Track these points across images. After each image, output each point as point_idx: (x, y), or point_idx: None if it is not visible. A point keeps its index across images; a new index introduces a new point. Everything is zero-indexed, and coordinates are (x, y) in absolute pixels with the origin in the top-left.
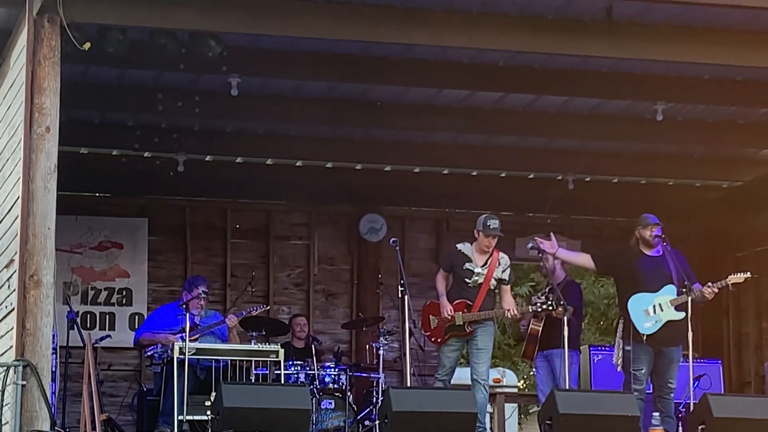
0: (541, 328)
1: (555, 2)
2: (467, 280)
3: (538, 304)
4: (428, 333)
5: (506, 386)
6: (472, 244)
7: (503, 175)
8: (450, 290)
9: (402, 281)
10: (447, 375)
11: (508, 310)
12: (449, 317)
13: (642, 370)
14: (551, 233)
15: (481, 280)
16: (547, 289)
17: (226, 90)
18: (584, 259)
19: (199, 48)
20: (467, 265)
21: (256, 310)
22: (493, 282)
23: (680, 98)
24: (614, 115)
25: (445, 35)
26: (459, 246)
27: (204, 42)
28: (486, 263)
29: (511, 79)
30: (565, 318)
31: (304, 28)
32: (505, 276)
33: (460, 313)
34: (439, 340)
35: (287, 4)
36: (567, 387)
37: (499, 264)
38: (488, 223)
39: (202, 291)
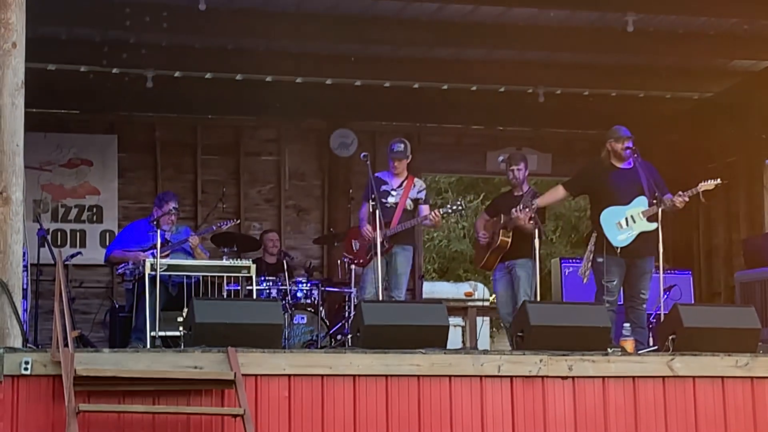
0: (510, 240)
1: None
2: (383, 200)
3: (451, 206)
4: (352, 256)
5: (478, 300)
6: (388, 171)
7: (473, 88)
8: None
9: (373, 195)
10: (371, 298)
11: (426, 216)
12: (370, 236)
13: (614, 281)
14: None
15: (397, 200)
16: (528, 206)
17: (194, 4)
18: (559, 193)
19: None
20: (383, 188)
21: (226, 225)
22: (409, 202)
23: (650, 9)
24: (584, 27)
25: None
26: (376, 174)
27: None
28: (401, 185)
29: None
30: (536, 230)
31: None
32: (422, 196)
33: (379, 231)
34: (362, 261)
35: None
36: (536, 298)
37: (414, 186)
38: (392, 147)
39: (173, 207)
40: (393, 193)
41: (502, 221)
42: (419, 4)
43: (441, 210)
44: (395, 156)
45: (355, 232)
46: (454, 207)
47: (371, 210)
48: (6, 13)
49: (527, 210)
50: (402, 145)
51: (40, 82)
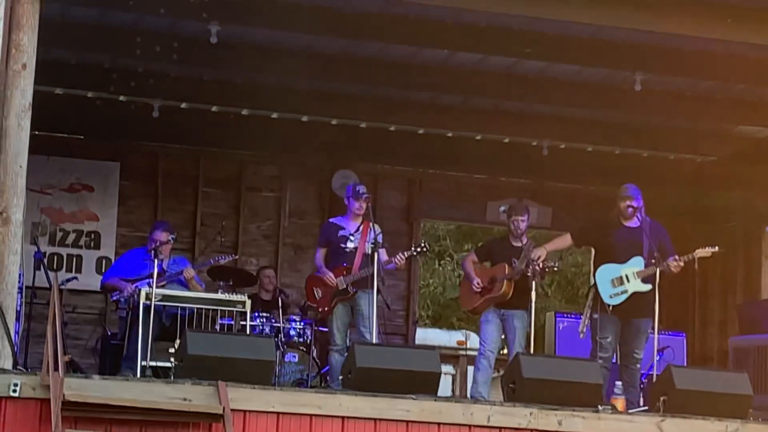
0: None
1: None
2: (343, 246)
3: (415, 248)
4: (315, 304)
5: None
6: (344, 216)
7: (478, 137)
8: (329, 261)
9: (364, 242)
10: (342, 344)
11: (391, 260)
12: (332, 283)
13: (608, 338)
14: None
15: (356, 244)
16: (549, 267)
17: (205, 37)
18: (566, 241)
19: None
20: (341, 233)
21: (224, 260)
22: (368, 246)
23: (660, 69)
24: (592, 83)
25: None
26: (331, 220)
27: None
28: (358, 229)
29: (492, 41)
30: (534, 283)
31: None
32: (379, 239)
33: (342, 277)
34: (326, 309)
35: None
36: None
37: (372, 229)
38: (357, 188)
39: (171, 237)
40: (351, 238)
41: (507, 272)
42: (430, 50)
43: (406, 253)
44: (360, 197)
45: (315, 280)
46: (418, 249)
47: (369, 252)
48: (18, 34)
49: (546, 269)
50: (364, 187)
51: (46, 105)
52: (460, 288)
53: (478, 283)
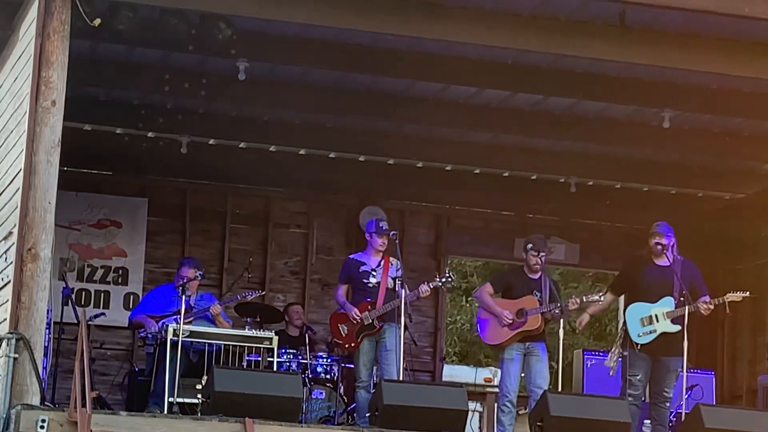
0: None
1: (568, 4)
2: (365, 281)
3: (440, 279)
4: (341, 341)
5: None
6: (364, 252)
7: (506, 174)
8: (352, 298)
9: (392, 276)
10: (368, 381)
11: (417, 292)
12: (357, 319)
13: (638, 376)
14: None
15: (378, 279)
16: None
17: (233, 74)
18: (608, 299)
19: (209, 30)
20: (362, 269)
21: (251, 296)
22: (389, 281)
23: (687, 107)
24: (621, 120)
25: (455, 30)
26: (351, 256)
27: (214, 24)
28: (379, 264)
29: (520, 78)
30: (562, 321)
31: (313, 16)
32: (400, 274)
33: (366, 312)
34: (353, 345)
35: None
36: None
37: (392, 264)
38: (380, 224)
39: (199, 273)
40: (374, 273)
41: (550, 309)
42: (457, 86)
43: (431, 284)
44: (384, 233)
45: (339, 317)
46: (443, 279)
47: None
48: (48, 71)
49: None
50: (386, 222)
51: (75, 141)
52: (480, 322)
53: (508, 315)
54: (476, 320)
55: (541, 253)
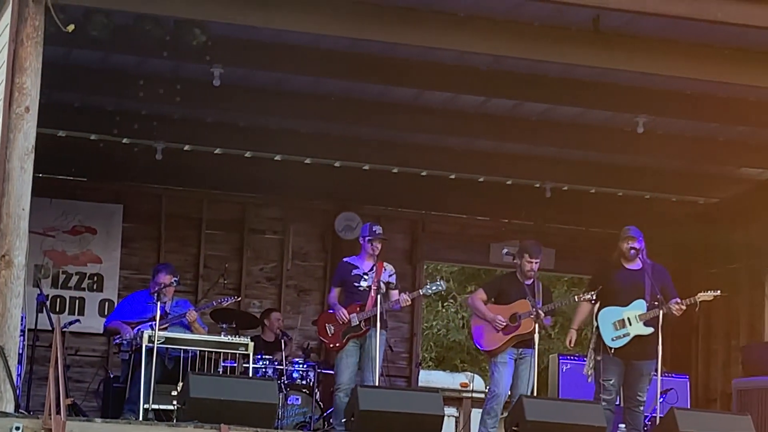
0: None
1: (543, 10)
2: (356, 284)
3: (430, 286)
4: (327, 340)
5: (474, 391)
6: (357, 256)
7: (481, 179)
8: (343, 300)
9: (377, 281)
10: (349, 384)
11: (397, 300)
12: (345, 320)
13: (611, 380)
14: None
15: (369, 282)
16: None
17: (208, 80)
18: (585, 309)
19: (184, 36)
20: (354, 272)
21: (227, 302)
22: (381, 285)
23: (662, 112)
24: (595, 125)
25: (430, 36)
26: (345, 259)
27: (189, 30)
28: (372, 268)
29: (495, 84)
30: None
31: (289, 22)
32: (392, 280)
33: (355, 314)
34: (338, 345)
35: None
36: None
37: (385, 269)
38: (374, 229)
39: (174, 280)
40: (365, 276)
41: (536, 311)
42: (432, 92)
43: (421, 290)
44: (377, 237)
45: (328, 317)
46: (433, 288)
47: (373, 295)
48: (22, 77)
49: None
50: (380, 228)
51: (49, 148)
52: (474, 329)
53: (501, 320)
54: (471, 327)
55: (536, 259)
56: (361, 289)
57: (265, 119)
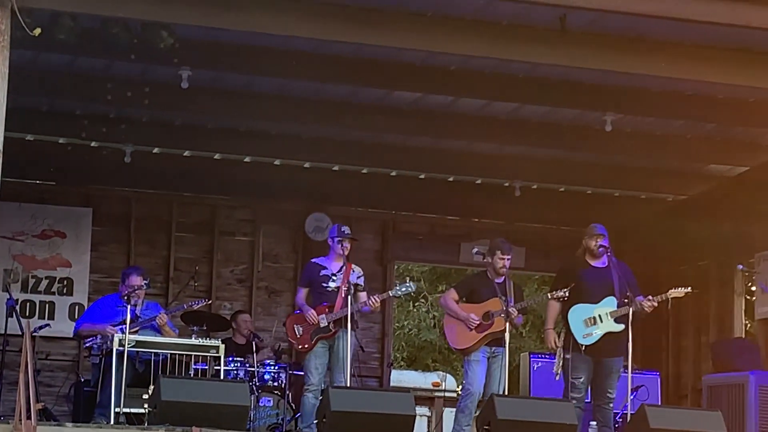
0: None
1: (510, 9)
2: (324, 285)
3: (399, 287)
4: (295, 342)
5: (446, 390)
6: (326, 256)
7: (450, 179)
8: (311, 301)
9: (348, 282)
10: (318, 385)
11: (365, 303)
12: (315, 321)
13: (581, 378)
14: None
15: (338, 283)
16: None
17: (176, 82)
18: (555, 307)
19: (151, 38)
20: (322, 273)
21: (197, 304)
22: (350, 287)
23: (629, 110)
24: (563, 124)
25: (397, 36)
26: (313, 260)
27: (156, 33)
28: (341, 269)
29: (463, 84)
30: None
31: (256, 24)
32: (360, 282)
33: (323, 315)
34: (306, 346)
35: None
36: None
37: (353, 271)
38: (342, 229)
39: (145, 283)
40: (333, 277)
41: (506, 309)
42: (400, 92)
43: (390, 292)
44: (345, 237)
45: (296, 318)
46: (402, 289)
47: (344, 296)
48: None
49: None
50: (349, 228)
51: (17, 152)
52: (447, 328)
53: (474, 318)
54: (443, 327)
55: (507, 256)
56: (330, 289)
57: (234, 121)
